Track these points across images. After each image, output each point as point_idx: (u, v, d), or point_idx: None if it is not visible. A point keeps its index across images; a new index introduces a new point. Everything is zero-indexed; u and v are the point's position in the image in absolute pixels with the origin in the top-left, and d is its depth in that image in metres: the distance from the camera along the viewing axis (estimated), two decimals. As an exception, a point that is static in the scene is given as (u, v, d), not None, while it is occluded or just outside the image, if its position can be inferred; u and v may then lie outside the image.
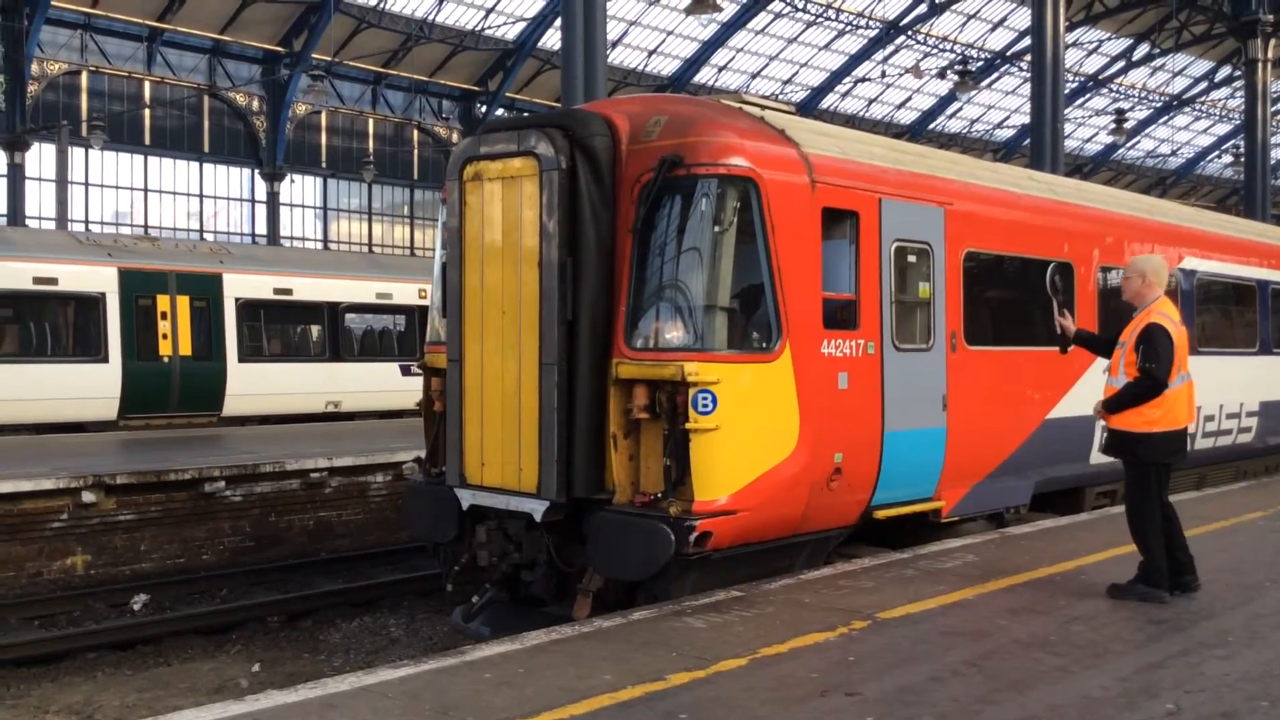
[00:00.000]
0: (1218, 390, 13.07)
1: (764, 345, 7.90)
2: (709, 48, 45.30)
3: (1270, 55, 25.30)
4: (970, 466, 9.57)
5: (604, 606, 7.70)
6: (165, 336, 19.01)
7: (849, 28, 46.23)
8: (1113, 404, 7.23)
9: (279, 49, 38.34)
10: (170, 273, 19.27)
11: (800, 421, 7.98)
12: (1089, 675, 5.61)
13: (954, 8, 46.45)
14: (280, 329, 21.31)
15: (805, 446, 7.99)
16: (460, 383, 8.35)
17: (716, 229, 7.81)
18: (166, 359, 19.08)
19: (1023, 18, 44.73)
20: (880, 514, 8.82)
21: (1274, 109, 56.88)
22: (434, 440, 9.03)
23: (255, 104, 39.50)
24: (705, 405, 7.50)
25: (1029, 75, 22.94)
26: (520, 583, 8.45)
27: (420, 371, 9.35)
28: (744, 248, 7.86)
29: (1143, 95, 56.80)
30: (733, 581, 7.74)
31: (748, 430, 7.71)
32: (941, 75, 42.30)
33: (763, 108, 8.79)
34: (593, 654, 5.95)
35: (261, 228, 39.90)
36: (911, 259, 9.08)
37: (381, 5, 38.33)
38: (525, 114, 38.74)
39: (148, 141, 37.49)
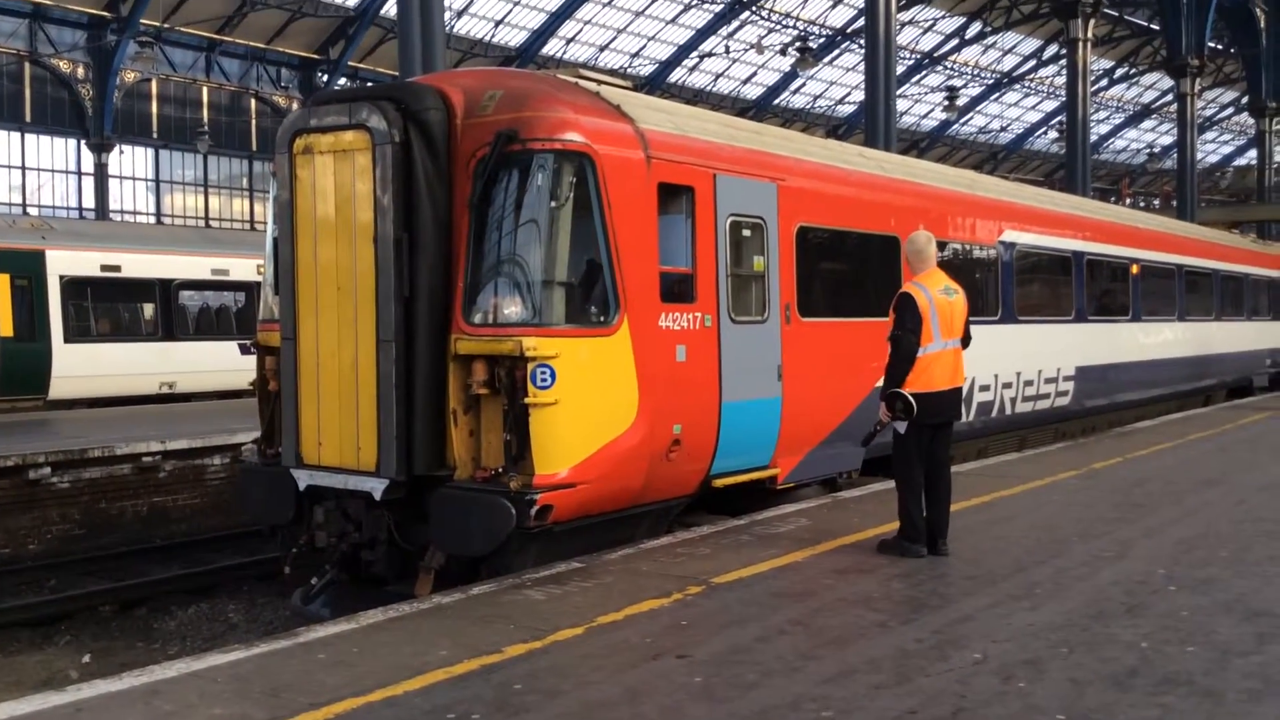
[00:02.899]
0: (1037, 356, 13.81)
1: (602, 319, 7.99)
2: (556, 19, 45.08)
3: (1090, 35, 26.59)
4: (805, 434, 9.89)
5: (447, 583, 7.71)
6: (-17, 316, 18.04)
7: (695, 2, 46.63)
8: (886, 381, 7.67)
9: (105, 14, 36.50)
10: (-13, 250, 18.27)
11: (639, 394, 8.10)
12: (906, 629, 5.91)
13: (797, -16, 47.34)
14: (109, 307, 20.42)
15: (644, 419, 8.12)
16: (295, 361, 8.20)
17: (553, 204, 7.85)
18: (-15, 340, 18.11)
19: (862, -5, 45.81)
20: (719, 483, 9.04)
21: (1093, 87, 59.88)
22: (269, 420, 8.86)
23: (80, 71, 37.53)
24: (544, 380, 7.56)
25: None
26: (361, 563, 8.37)
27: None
28: (580, 223, 7.93)
29: (975, 73, 58.96)
30: (575, 553, 7.85)
31: (587, 404, 7.80)
32: (783, 52, 43.05)
33: (599, 83, 8.85)
34: (430, 630, 5.97)
35: (90, 201, 38.05)
36: (746, 233, 9.30)
37: (214, -31, 36.89)
38: (368, 84, 37.93)
39: (-37, 111, 35.37)
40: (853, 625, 6.00)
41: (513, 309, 7.81)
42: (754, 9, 47.63)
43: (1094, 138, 67.15)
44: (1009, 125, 65.95)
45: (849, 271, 11.01)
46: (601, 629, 5.93)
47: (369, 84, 37.58)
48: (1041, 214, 14.51)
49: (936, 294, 7.67)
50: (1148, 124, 71.72)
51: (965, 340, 7.90)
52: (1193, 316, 19.23)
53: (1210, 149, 78.57)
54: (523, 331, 7.62)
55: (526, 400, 7.53)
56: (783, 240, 9.63)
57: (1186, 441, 14.21)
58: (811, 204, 10.08)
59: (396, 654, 5.54)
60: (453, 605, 6.51)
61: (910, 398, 7.45)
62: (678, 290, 8.60)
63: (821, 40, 50.47)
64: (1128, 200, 58.67)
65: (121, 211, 39.05)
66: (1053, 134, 63.25)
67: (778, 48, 44.91)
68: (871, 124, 20.25)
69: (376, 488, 7.82)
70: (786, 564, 7.44)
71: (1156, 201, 55.48)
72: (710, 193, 8.83)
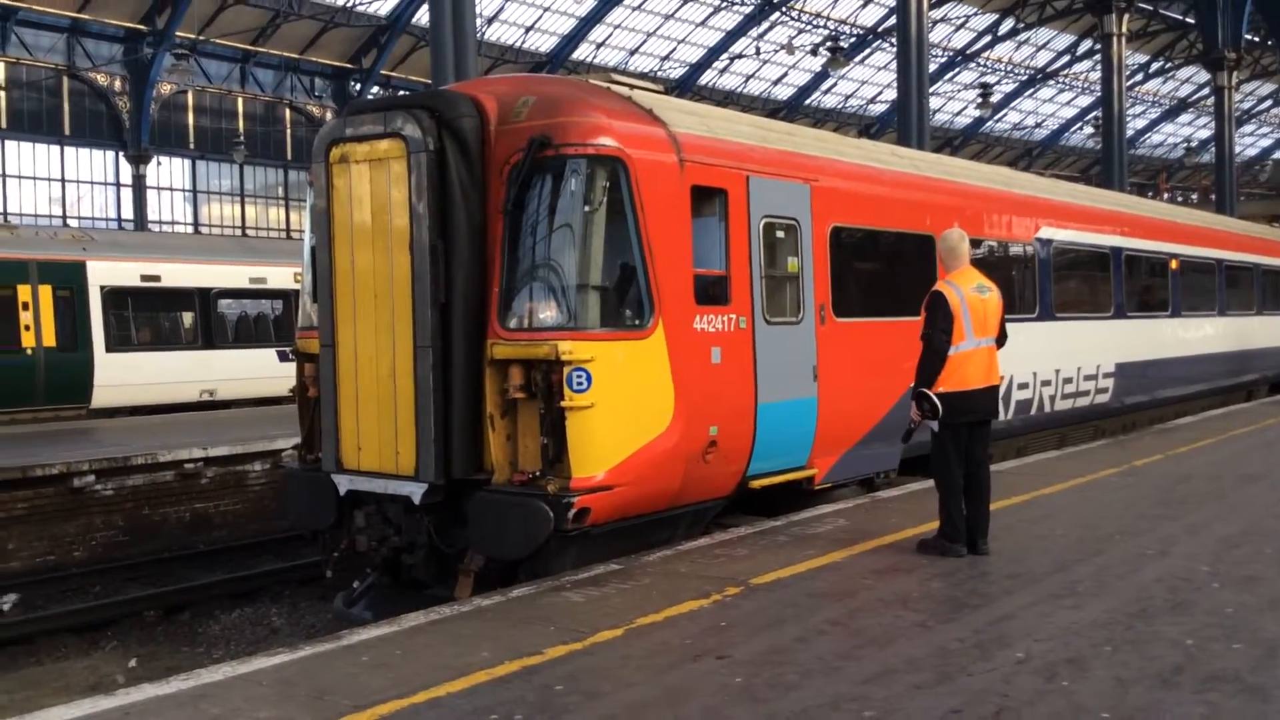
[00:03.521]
0: (1076, 354, 13.70)
1: (637, 322, 8.01)
2: (586, 24, 45.21)
3: (1124, 29, 26.34)
4: (841, 434, 9.86)
5: (486, 586, 7.75)
6: (27, 328, 18.33)
7: (725, 4, 46.62)
8: (917, 380, 7.63)
9: (141, 27, 37.03)
10: (30, 261, 18.56)
11: (675, 396, 8.12)
12: (946, 629, 5.89)
13: (827, -17, 47.22)
14: (149, 317, 20.69)
15: (680, 421, 8.14)
16: (334, 367, 8.28)
17: (586, 208, 7.88)
18: (29, 351, 18.40)
19: (892, -6, 45.55)
20: (756, 484, 9.03)
21: (1129, 82, 59.25)
22: (309, 426, 8.96)
23: (117, 84, 38.08)
24: (580, 383, 7.59)
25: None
26: (402, 566, 8.44)
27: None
28: (614, 227, 7.96)
29: (1009, 69, 58.55)
30: (613, 555, 7.87)
31: (623, 406, 7.82)
32: (814, 52, 42.92)
33: (631, 87, 8.88)
34: (471, 632, 6.01)
35: (128, 212, 38.57)
36: (780, 235, 9.29)
37: (249, -18, 37.29)
38: (402, 92, 38.21)
39: (4, 125, 35.90)
40: (892, 625, 5.98)
41: (548, 313, 7.85)
42: (784, 9, 47.54)
43: (1130, 132, 66.47)
44: (1044, 121, 65.42)
45: (884, 271, 10.97)
46: (641, 630, 5.95)
47: (402, 92, 37.92)
48: (1078, 210, 14.40)
49: (969, 292, 7.64)
50: (1185, 118, 70.95)
51: (1001, 339, 7.85)
52: (1233, 311, 19.01)
53: (1249, 141, 77.53)
54: (558, 335, 7.65)
55: (563, 404, 7.56)
56: (816, 241, 9.62)
57: (1229, 437, 14.04)
58: (845, 204, 10.06)
59: (439, 656, 5.58)
60: (492, 608, 6.55)
61: (936, 399, 7.42)
62: (712, 292, 8.61)
63: (853, 39, 50.31)
64: (1166, 195, 58.05)
65: (159, 222, 39.57)
66: (1088, 129, 62.71)
67: (808, 48, 44.77)
68: (904, 122, 20.16)
69: (415, 492, 7.88)
70: (825, 564, 7.43)
71: (1195, 196, 54.86)
72: (743, 195, 8.84)
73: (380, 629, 6.12)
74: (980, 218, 11.85)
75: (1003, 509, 9.11)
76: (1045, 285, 13.10)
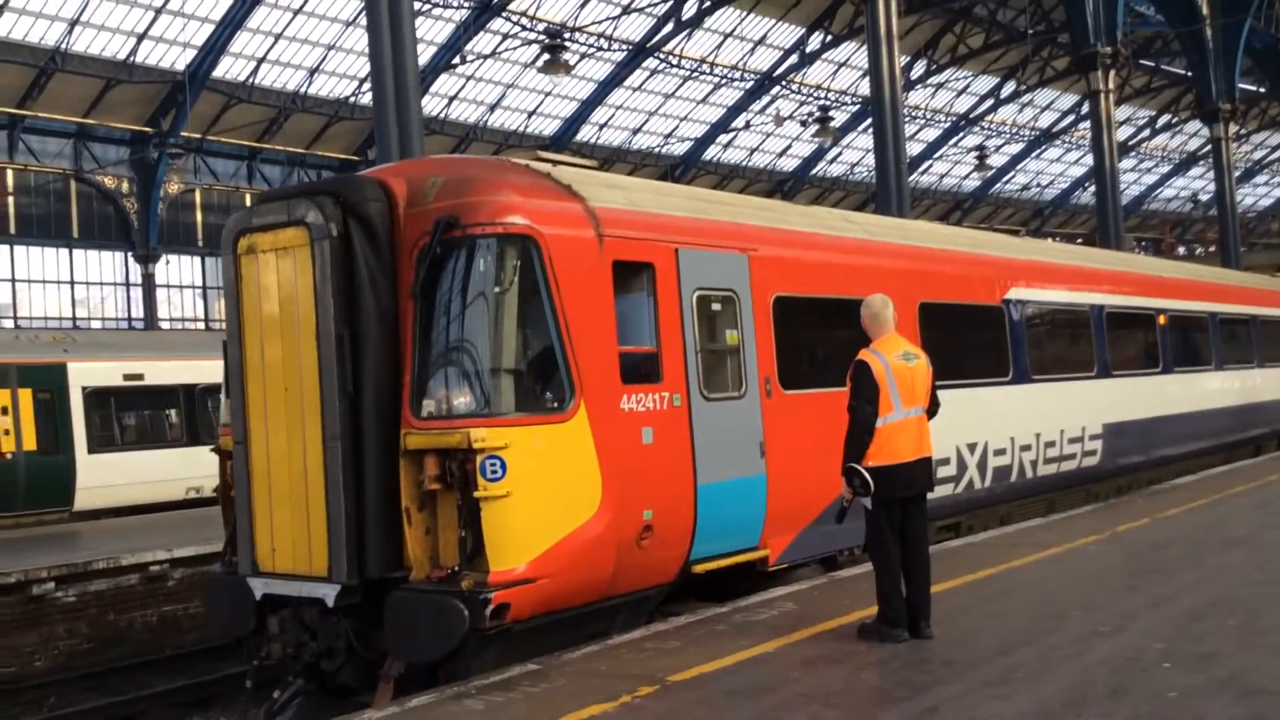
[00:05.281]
0: (1057, 416, 13.21)
1: (556, 405, 7.67)
2: (587, 106, 45.57)
3: (1111, 86, 26.14)
4: (796, 512, 9.42)
5: (413, 690, 7.35)
6: (7, 432, 18.21)
7: (724, 81, 46.93)
8: (845, 455, 7.19)
9: (146, 129, 37.60)
10: (10, 365, 18.51)
11: (602, 480, 7.74)
12: (858, 728, 5.44)
13: (825, 56, 47.49)
14: (133, 416, 20.59)
15: (609, 506, 7.75)
16: (248, 465, 7.99)
17: (497, 289, 7.62)
18: (9, 455, 18.25)
19: (890, 62, 45.67)
20: (699, 568, 8.60)
21: (1137, 137, 58.90)
22: (232, 527, 8.64)
23: (125, 186, 38.59)
24: (494, 472, 7.25)
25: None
26: (327, 673, 8.05)
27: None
28: (528, 307, 7.67)
29: (1014, 131, 58.56)
30: (543, 652, 7.45)
31: (543, 494, 7.46)
32: (804, 124, 43.00)
33: (554, 163, 8.67)
34: (349, 749, 5.60)
35: (139, 311, 38.84)
36: (716, 307, 8.97)
37: (251, 80, 37.90)
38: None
39: (13, 231, 36.37)
40: (801, 725, 5.53)
41: (461, 399, 7.55)
42: (784, 84, 47.80)
43: (1141, 188, 66.37)
44: (1053, 181, 65.26)
45: (835, 339, 10.54)
46: (529, 741, 5.53)
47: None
48: (1052, 269, 14.00)
49: (894, 360, 7.26)
50: (1196, 171, 70.60)
51: (933, 408, 7.45)
52: (1232, 365, 18.45)
53: (1263, 192, 77.05)
54: (471, 422, 7.34)
55: (477, 494, 7.22)
56: (758, 312, 9.28)
57: (1223, 497, 13.45)
58: (789, 273, 9.74)
59: (302, 778, 5.17)
60: (383, 720, 6.14)
61: (866, 474, 7.00)
62: (642, 370, 8.27)
63: (856, 108, 50.49)
64: (1181, 250, 57.52)
65: (170, 319, 39.80)
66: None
67: (800, 119, 44.94)
68: (883, 189, 19.92)
69: (329, 594, 7.52)
70: (755, 656, 6.97)
71: (1213, 249, 54.29)
72: (672, 267, 8.54)
73: (251, 748, 5.72)
74: (940, 281, 11.49)
75: (962, 586, 8.65)
76: (1019, 347, 12.67)
